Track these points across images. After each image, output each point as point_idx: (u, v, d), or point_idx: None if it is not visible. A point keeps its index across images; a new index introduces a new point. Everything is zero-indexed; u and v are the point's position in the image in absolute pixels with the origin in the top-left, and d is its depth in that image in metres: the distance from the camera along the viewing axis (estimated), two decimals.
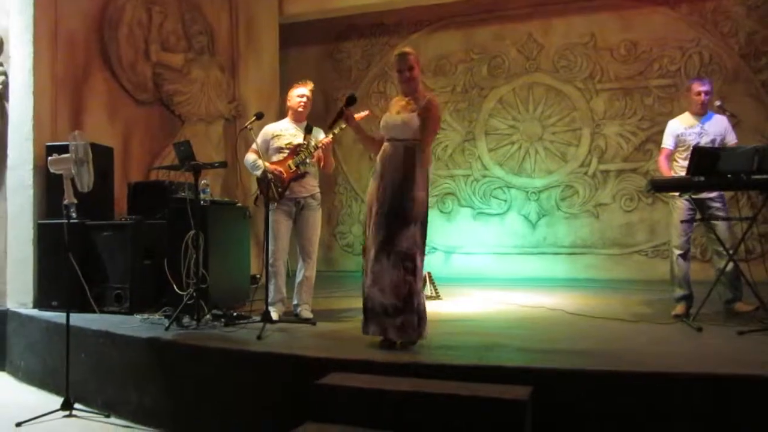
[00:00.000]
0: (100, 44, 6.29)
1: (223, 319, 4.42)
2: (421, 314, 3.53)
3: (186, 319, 4.39)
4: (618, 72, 7.93)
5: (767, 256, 6.68)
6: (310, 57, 9.29)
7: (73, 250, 4.47)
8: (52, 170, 4.24)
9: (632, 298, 5.78)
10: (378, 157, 3.71)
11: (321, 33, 9.11)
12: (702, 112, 4.76)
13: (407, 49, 3.75)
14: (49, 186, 5.22)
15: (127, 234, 5.07)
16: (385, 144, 3.69)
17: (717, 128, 4.70)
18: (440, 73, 8.67)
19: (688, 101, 4.90)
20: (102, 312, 4.94)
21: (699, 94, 4.71)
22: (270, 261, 4.55)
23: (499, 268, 8.10)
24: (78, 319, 4.43)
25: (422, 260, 3.60)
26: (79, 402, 4.07)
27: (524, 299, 5.70)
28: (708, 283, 4.46)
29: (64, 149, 4.25)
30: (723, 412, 2.78)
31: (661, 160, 4.85)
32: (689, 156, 4.24)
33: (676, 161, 4.81)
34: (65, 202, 4.07)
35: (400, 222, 3.51)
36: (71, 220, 4.13)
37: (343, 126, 4.40)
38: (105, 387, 4.15)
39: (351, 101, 3.81)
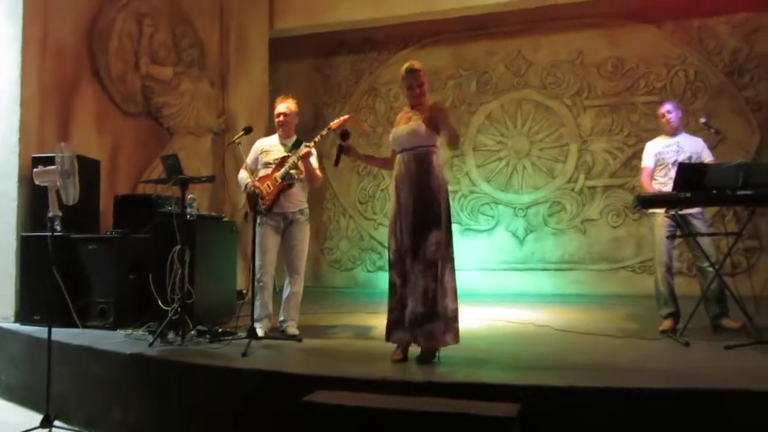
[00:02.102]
0: (90, 56, 6.26)
1: (208, 335, 4.36)
2: (448, 321, 3.56)
3: (170, 335, 4.35)
4: (605, 89, 8.01)
5: (753, 271, 6.78)
6: (300, 71, 9.31)
7: (57, 263, 4.38)
8: (37, 182, 4.17)
9: (619, 313, 5.79)
10: (393, 172, 3.78)
11: (311, 48, 9.12)
12: (672, 132, 4.89)
13: (417, 65, 3.84)
14: (34, 198, 5.15)
15: (113, 248, 5.02)
16: (398, 157, 3.76)
17: (692, 146, 4.82)
18: (429, 89, 8.65)
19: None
20: (85, 327, 4.87)
21: (663, 116, 4.90)
22: (257, 276, 4.52)
23: (487, 283, 8.08)
24: (60, 334, 4.36)
25: (450, 266, 3.62)
26: (61, 419, 3.98)
27: (512, 315, 5.69)
28: (694, 298, 4.47)
29: (50, 161, 4.18)
30: (711, 427, 2.77)
31: (644, 178, 4.94)
32: (673, 172, 4.30)
33: (655, 179, 4.88)
34: (50, 214, 4.00)
35: (424, 230, 3.57)
36: (56, 233, 4.07)
37: (323, 133, 4.49)
38: (87, 403, 4.08)
39: (345, 136, 3.85)
